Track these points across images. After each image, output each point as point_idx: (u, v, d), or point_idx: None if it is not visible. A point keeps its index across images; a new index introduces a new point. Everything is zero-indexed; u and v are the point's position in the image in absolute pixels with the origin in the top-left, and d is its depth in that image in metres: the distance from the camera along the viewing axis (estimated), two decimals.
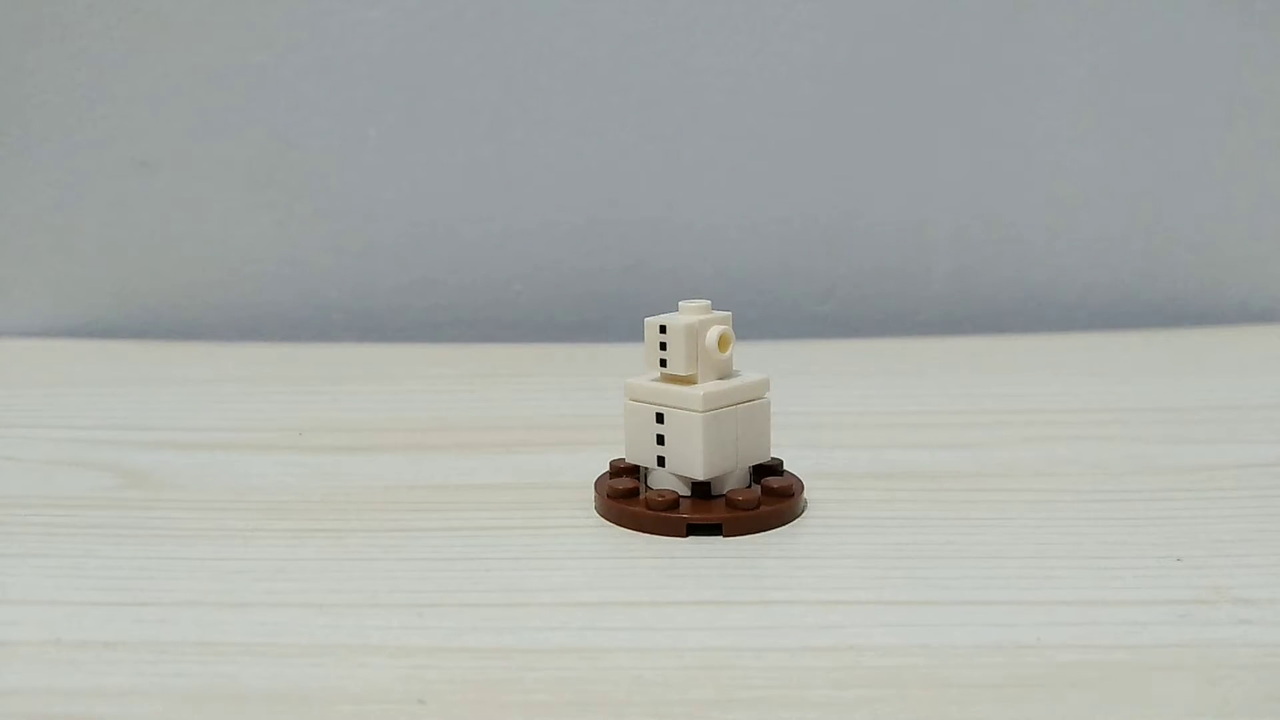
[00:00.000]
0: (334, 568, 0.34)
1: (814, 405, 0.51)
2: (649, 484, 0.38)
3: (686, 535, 0.36)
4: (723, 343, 0.37)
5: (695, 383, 0.37)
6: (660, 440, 0.37)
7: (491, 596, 0.32)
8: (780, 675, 0.28)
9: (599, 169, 0.66)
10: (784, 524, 0.37)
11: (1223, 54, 0.65)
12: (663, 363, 0.37)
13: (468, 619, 0.31)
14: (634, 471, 0.39)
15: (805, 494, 0.39)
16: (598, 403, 0.50)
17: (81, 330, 0.67)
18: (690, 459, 0.36)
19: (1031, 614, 0.31)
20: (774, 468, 0.40)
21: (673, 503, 0.36)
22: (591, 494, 0.39)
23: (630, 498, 0.37)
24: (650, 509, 0.36)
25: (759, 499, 0.37)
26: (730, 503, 0.36)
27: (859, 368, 0.59)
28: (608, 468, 0.40)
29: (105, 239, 0.67)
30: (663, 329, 0.37)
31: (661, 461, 0.37)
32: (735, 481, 0.38)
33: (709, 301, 0.38)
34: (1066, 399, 0.52)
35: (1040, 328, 0.67)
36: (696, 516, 0.36)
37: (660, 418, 0.37)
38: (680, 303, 0.38)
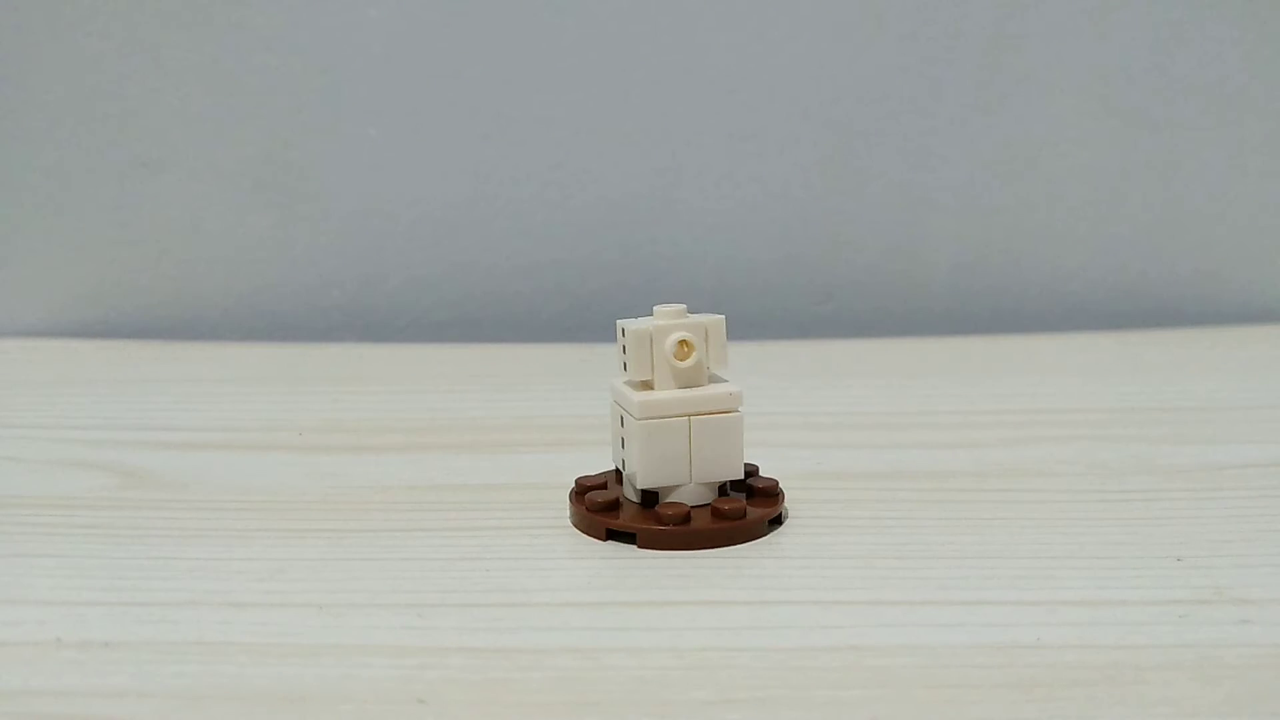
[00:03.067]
0: (334, 568, 0.34)
1: (814, 405, 0.51)
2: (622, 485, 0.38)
3: (605, 539, 0.36)
4: (680, 351, 0.36)
5: (652, 389, 0.36)
6: (622, 442, 0.37)
7: (491, 596, 0.32)
8: (780, 675, 0.28)
9: (599, 169, 0.66)
10: (711, 546, 0.35)
11: (1223, 54, 0.65)
12: (624, 366, 0.37)
13: (468, 619, 0.31)
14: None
15: (781, 510, 0.37)
16: (598, 403, 0.50)
17: (82, 330, 0.67)
18: (634, 463, 0.36)
19: (1031, 614, 0.31)
20: (763, 488, 0.38)
21: (611, 505, 0.36)
22: None
23: (581, 497, 0.37)
24: (588, 510, 0.36)
25: (687, 514, 0.35)
26: (660, 515, 0.35)
27: (859, 368, 0.59)
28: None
29: (106, 239, 0.67)
30: (623, 332, 0.37)
31: (625, 464, 0.37)
32: (690, 494, 0.36)
33: (684, 306, 0.37)
34: (1066, 399, 0.52)
35: (1040, 328, 0.67)
36: (615, 522, 0.36)
37: (621, 419, 0.37)
38: (655, 307, 0.37)
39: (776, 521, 0.37)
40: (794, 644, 0.29)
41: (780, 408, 0.49)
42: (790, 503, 0.39)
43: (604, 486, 0.38)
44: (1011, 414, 0.49)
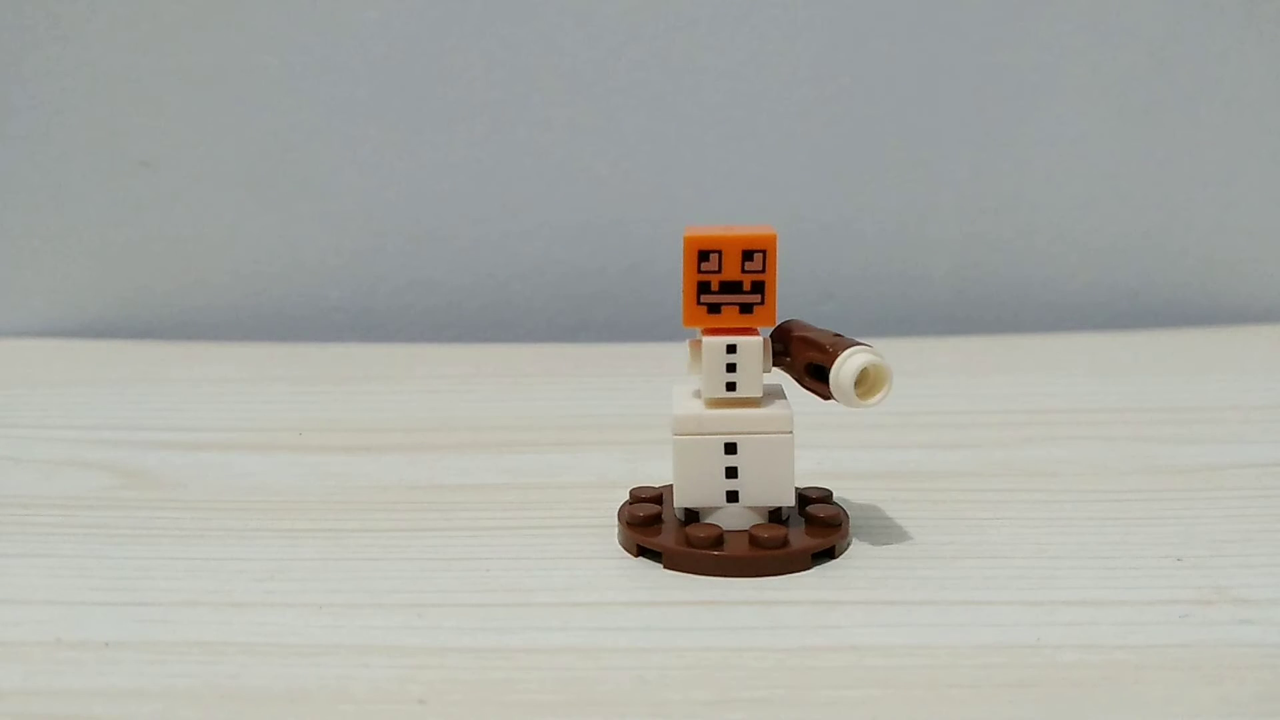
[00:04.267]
0: (334, 568, 0.34)
1: (814, 405, 0.51)
2: (703, 522, 0.35)
3: (810, 567, 0.33)
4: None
5: (758, 404, 0.34)
6: (732, 473, 0.34)
7: (492, 596, 0.32)
8: (781, 675, 0.28)
9: (599, 169, 0.66)
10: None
11: (1224, 54, 0.65)
12: (730, 386, 0.34)
13: (468, 619, 0.31)
14: (659, 504, 0.36)
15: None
16: (598, 403, 0.50)
17: (82, 330, 0.67)
18: (778, 486, 0.34)
19: (1032, 614, 0.31)
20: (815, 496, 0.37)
21: (718, 539, 0.33)
22: (591, 493, 0.39)
23: (717, 542, 0.33)
24: (698, 546, 0.33)
25: (838, 514, 0.35)
26: (811, 519, 0.35)
27: None
28: (629, 498, 0.37)
29: (106, 239, 0.67)
30: (731, 348, 0.34)
31: (734, 496, 0.34)
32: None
33: None
34: (1067, 399, 0.52)
35: (1041, 328, 0.67)
36: (815, 543, 0.34)
37: (731, 448, 0.34)
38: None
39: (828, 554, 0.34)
40: (794, 644, 0.29)
41: None
42: None
43: (720, 532, 0.34)
44: (1012, 414, 0.49)
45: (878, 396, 0.33)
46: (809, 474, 0.41)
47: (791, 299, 0.67)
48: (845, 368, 0.33)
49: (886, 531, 0.36)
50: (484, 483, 0.42)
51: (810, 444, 0.45)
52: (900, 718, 0.26)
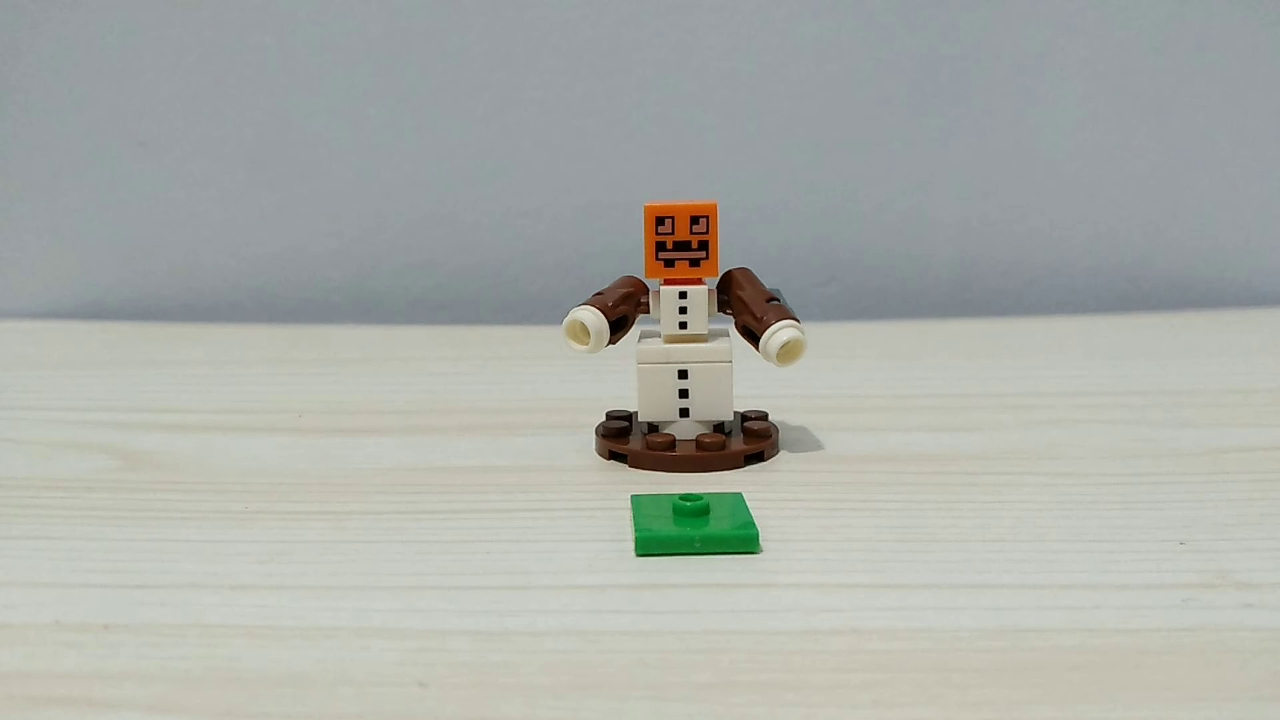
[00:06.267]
0: (334, 550, 0.34)
1: (815, 388, 0.51)
2: (661, 431, 0.42)
3: (743, 466, 0.40)
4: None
5: (706, 340, 0.41)
6: (683, 394, 0.41)
7: (492, 579, 0.32)
8: (782, 659, 0.28)
9: (600, 151, 0.66)
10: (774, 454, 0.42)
11: (1227, 36, 0.65)
12: (683, 325, 0.41)
13: (468, 602, 0.31)
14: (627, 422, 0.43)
15: (783, 450, 0.42)
16: (598, 385, 0.50)
17: (80, 312, 0.67)
18: (720, 404, 0.41)
19: (1034, 598, 0.30)
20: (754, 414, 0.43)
21: (671, 444, 0.40)
22: (591, 475, 0.39)
23: (670, 446, 0.40)
24: (656, 449, 0.40)
25: (769, 428, 0.42)
26: (748, 432, 0.41)
27: (861, 351, 0.59)
28: (604, 417, 0.43)
29: (104, 220, 0.67)
30: (683, 294, 0.41)
31: (685, 412, 0.41)
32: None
33: None
34: (1069, 382, 0.51)
35: (1043, 310, 0.66)
36: (748, 448, 0.41)
37: (683, 373, 0.41)
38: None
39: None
40: (796, 627, 0.29)
41: (781, 390, 0.49)
42: (790, 485, 0.39)
43: (672, 439, 0.41)
44: (1014, 397, 0.49)
45: (794, 363, 0.40)
46: (812, 457, 0.41)
47: (794, 281, 0.67)
48: (772, 340, 0.40)
49: (888, 514, 0.36)
50: (484, 465, 0.42)
51: (811, 426, 0.45)
52: (902, 701, 0.26)
